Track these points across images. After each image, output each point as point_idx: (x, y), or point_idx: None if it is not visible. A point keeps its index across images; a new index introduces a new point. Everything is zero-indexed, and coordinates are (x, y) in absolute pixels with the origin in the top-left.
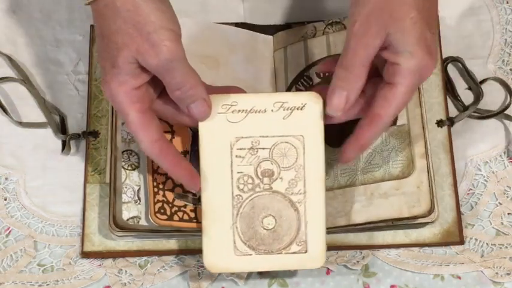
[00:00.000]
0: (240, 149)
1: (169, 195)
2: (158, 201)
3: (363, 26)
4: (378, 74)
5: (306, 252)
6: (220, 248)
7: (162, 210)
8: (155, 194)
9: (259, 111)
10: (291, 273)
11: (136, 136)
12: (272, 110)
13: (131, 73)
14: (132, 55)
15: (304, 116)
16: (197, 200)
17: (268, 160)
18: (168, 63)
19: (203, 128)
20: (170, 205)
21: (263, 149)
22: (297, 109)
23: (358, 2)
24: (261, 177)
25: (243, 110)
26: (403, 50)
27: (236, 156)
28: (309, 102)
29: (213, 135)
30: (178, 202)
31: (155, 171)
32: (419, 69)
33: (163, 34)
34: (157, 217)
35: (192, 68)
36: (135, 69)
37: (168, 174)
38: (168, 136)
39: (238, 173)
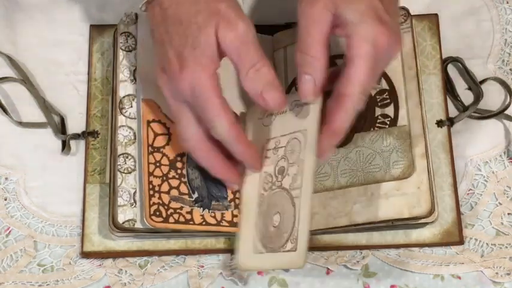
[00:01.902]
0: (268, 149)
1: (165, 198)
2: (154, 203)
3: (309, 1)
4: None
5: (295, 250)
6: (247, 247)
7: (157, 213)
8: (151, 196)
9: (283, 112)
10: (291, 273)
11: (216, 120)
12: (290, 110)
13: (211, 56)
14: (214, 31)
15: (308, 110)
16: (193, 202)
17: (283, 158)
18: (245, 36)
19: (247, 133)
20: (166, 207)
21: (282, 147)
22: (306, 104)
23: None
24: (277, 175)
25: (272, 114)
26: (350, 19)
27: (265, 157)
28: None
29: (253, 139)
30: (174, 204)
31: (151, 173)
32: (373, 38)
33: (238, 14)
34: (152, 219)
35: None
36: (214, 52)
37: (238, 157)
38: (165, 138)
39: (264, 172)
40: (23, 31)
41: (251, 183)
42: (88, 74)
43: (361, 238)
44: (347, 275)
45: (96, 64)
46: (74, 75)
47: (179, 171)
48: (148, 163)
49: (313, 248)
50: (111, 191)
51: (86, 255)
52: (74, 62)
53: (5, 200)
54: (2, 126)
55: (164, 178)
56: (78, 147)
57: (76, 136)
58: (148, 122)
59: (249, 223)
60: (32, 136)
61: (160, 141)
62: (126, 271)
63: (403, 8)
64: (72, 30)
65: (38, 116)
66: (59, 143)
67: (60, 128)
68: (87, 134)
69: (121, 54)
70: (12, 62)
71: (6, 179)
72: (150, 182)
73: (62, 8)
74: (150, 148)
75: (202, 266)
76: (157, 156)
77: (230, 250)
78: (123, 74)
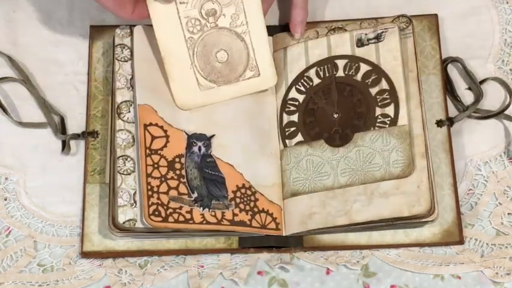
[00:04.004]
0: None
1: (164, 198)
2: (152, 203)
3: None
4: None
5: (259, 75)
6: (187, 87)
7: (156, 213)
8: (149, 197)
9: None
10: (291, 273)
11: (115, 13)
12: None
13: None
14: None
15: None
16: (193, 202)
17: (209, 0)
18: None
19: None
20: (165, 207)
21: None
22: None
23: None
24: (206, 17)
25: None
26: None
27: (180, 3)
28: None
29: None
30: (173, 204)
31: (149, 175)
32: None
33: None
34: (151, 219)
35: None
36: None
37: None
38: (163, 141)
39: (185, 17)
40: (23, 31)
41: (171, 30)
42: (88, 74)
43: (361, 238)
44: (347, 275)
45: (96, 64)
46: (74, 75)
47: (178, 171)
48: (146, 165)
49: (313, 248)
50: (110, 191)
51: (86, 255)
52: (74, 62)
53: (5, 200)
54: (2, 126)
55: (163, 179)
56: (78, 147)
57: (76, 136)
58: (145, 126)
59: (181, 66)
60: (32, 136)
61: (158, 143)
62: (126, 271)
63: (405, 16)
64: (72, 30)
65: (38, 116)
66: (59, 143)
67: (60, 128)
68: (87, 134)
69: (117, 64)
70: (12, 62)
71: (6, 179)
72: (148, 183)
73: (62, 8)
74: (147, 150)
75: (202, 266)
76: (155, 158)
77: (230, 250)
78: (120, 82)
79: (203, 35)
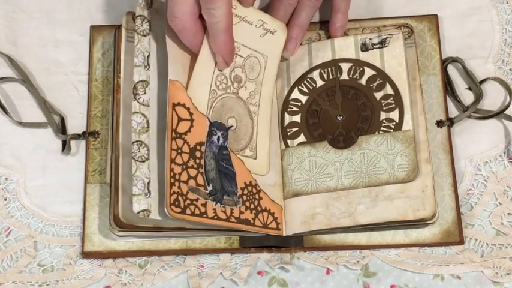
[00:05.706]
0: None
1: (184, 188)
2: (174, 192)
3: None
4: None
5: (255, 159)
6: None
7: (176, 203)
8: (171, 185)
9: (247, 22)
10: (291, 273)
11: (218, 2)
12: (256, 26)
13: None
14: None
15: (273, 40)
16: (208, 195)
17: (240, 67)
18: None
19: None
20: (184, 198)
21: (240, 56)
22: (270, 32)
23: None
24: (232, 81)
25: (238, 16)
26: None
27: None
28: (279, 30)
29: None
30: (191, 195)
31: (173, 160)
32: None
33: None
34: (172, 210)
35: None
36: None
37: (217, 48)
38: (188, 124)
39: (219, 70)
40: (23, 31)
41: (204, 75)
42: (88, 74)
43: (361, 238)
44: (347, 275)
45: (97, 64)
46: (74, 75)
47: (197, 160)
48: (171, 149)
49: (313, 248)
50: (111, 190)
51: (86, 255)
52: (74, 62)
53: (5, 200)
54: (2, 126)
55: (184, 167)
56: (78, 147)
57: (76, 136)
58: (174, 105)
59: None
60: (32, 136)
61: (183, 126)
62: (126, 271)
63: (407, 26)
64: (72, 30)
65: (38, 116)
66: (59, 143)
67: (60, 128)
68: (88, 134)
69: (136, 38)
70: (12, 62)
71: (6, 179)
72: (171, 170)
73: (62, 8)
74: (173, 133)
75: (202, 266)
76: (180, 142)
77: (230, 250)
78: (138, 58)
79: (224, 95)
